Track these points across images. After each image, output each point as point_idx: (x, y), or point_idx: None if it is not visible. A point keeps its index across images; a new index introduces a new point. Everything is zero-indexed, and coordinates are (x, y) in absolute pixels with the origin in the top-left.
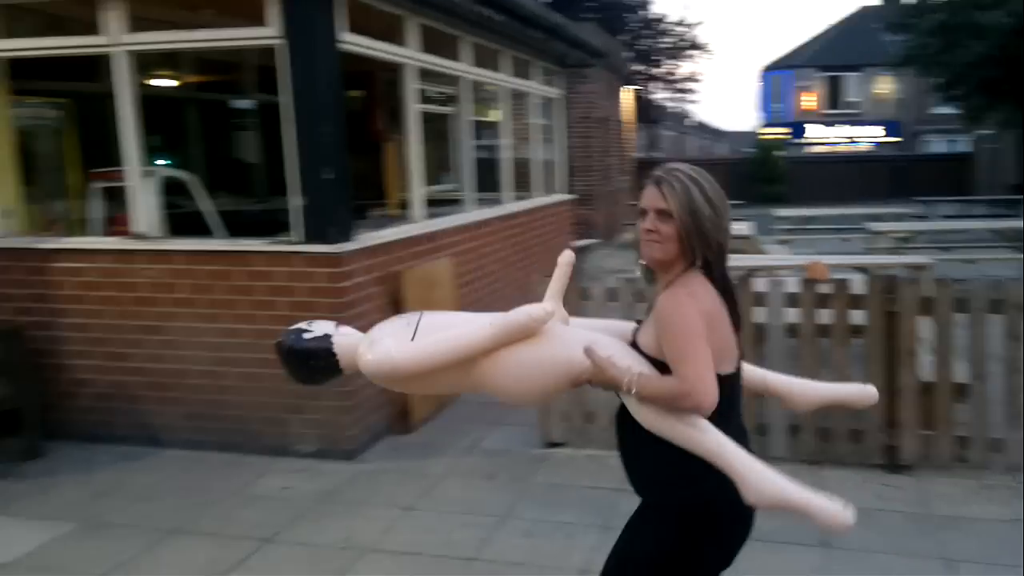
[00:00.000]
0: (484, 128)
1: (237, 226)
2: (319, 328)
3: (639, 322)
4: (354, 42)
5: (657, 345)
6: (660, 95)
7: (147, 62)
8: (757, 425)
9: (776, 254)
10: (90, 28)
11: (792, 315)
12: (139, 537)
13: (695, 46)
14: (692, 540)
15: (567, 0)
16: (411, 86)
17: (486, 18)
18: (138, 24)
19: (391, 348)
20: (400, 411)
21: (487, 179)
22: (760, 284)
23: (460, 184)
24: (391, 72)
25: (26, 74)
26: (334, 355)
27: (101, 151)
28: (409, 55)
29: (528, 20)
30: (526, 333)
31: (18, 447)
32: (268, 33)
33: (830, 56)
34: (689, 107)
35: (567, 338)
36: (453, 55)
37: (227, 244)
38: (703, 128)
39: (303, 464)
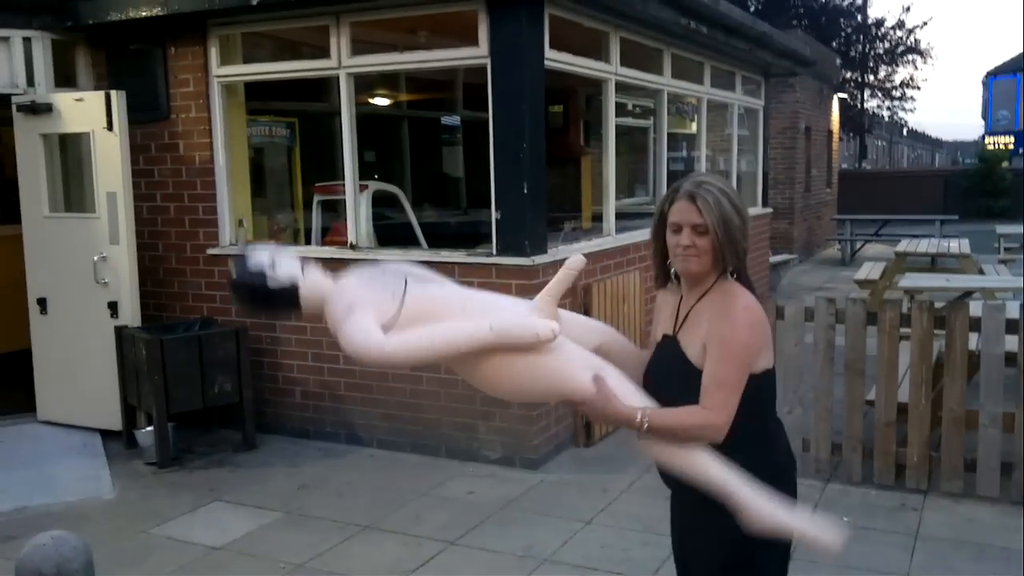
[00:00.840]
0: (681, 139)
1: (441, 238)
2: (284, 265)
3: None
4: (557, 59)
5: (699, 353)
6: (873, 103)
7: (364, 82)
8: (965, 461)
9: (995, 275)
10: (318, 52)
11: (1011, 343)
12: (335, 531)
13: (914, 50)
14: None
15: (777, 7)
16: (610, 100)
17: (691, 30)
18: (360, 47)
19: (383, 339)
20: (583, 424)
21: None
22: (976, 308)
23: (654, 197)
24: (591, 86)
25: (260, 95)
26: (295, 297)
27: (322, 166)
28: (610, 70)
29: (733, 31)
30: (528, 347)
31: (236, 439)
32: (477, 53)
33: None
34: (904, 115)
35: (571, 355)
36: (654, 68)
37: (429, 255)
38: (918, 137)
39: (489, 470)
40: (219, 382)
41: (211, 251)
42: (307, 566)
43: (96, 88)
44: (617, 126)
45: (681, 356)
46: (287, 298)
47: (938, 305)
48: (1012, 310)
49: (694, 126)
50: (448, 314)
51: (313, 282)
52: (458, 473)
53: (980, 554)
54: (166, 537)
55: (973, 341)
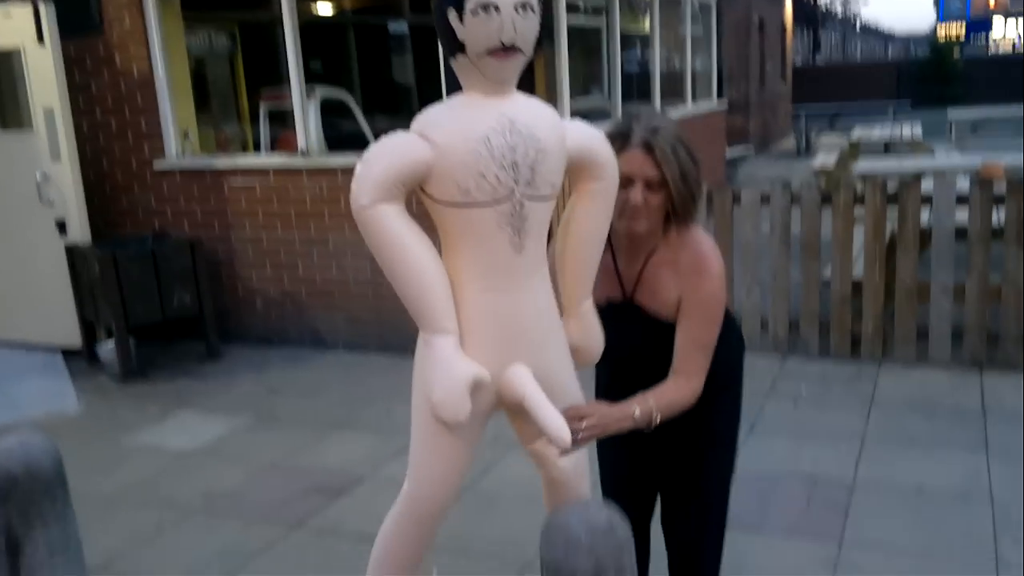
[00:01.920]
0: (635, 39)
1: None
2: None
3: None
4: None
5: (670, 310)
6: None
7: None
8: (918, 329)
9: (947, 157)
10: None
11: (962, 217)
12: (308, 429)
13: None
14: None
15: None
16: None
17: None
18: None
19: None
20: None
21: (636, 90)
22: (928, 185)
23: (608, 96)
24: None
25: (198, 4)
26: None
27: (268, 76)
28: None
29: None
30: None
31: (200, 350)
32: None
33: None
34: (857, 8)
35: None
36: None
37: None
38: (870, 31)
39: None
40: (177, 295)
41: (158, 165)
42: (282, 464)
43: (24, 1)
44: (571, 25)
45: (648, 319)
46: None
47: (891, 184)
48: (963, 185)
49: (647, 24)
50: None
51: None
52: None
53: (932, 413)
54: (136, 445)
55: (925, 217)
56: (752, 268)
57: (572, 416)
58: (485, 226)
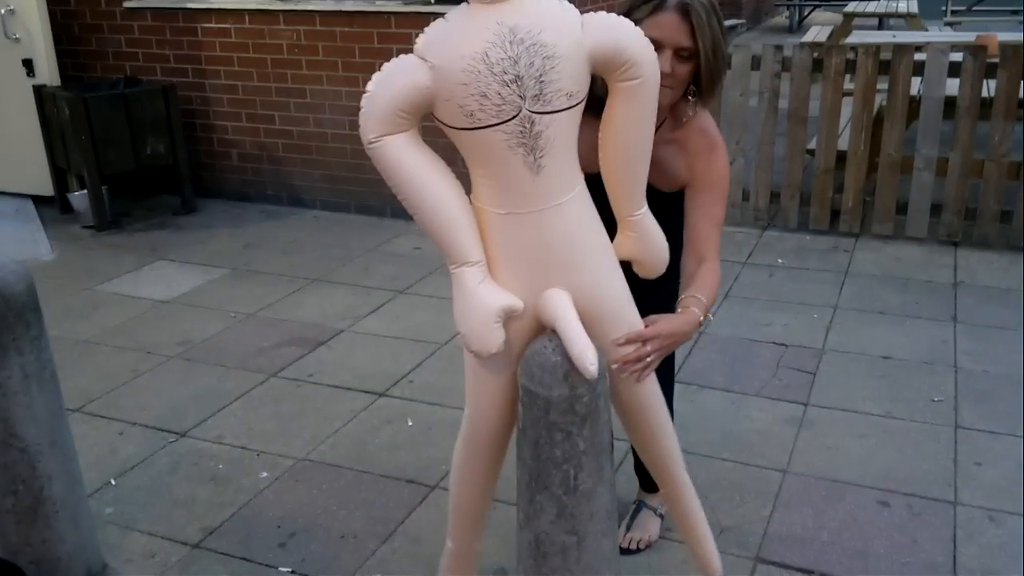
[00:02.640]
0: None
1: None
2: None
3: None
4: None
5: (672, 186)
6: None
7: None
8: (898, 204)
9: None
10: None
11: (952, 88)
12: (285, 283)
13: None
14: None
15: None
16: None
17: None
18: None
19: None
20: None
21: None
22: (921, 55)
23: None
24: None
25: None
26: None
27: None
28: None
29: None
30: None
31: (175, 203)
32: None
33: None
34: None
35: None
36: None
37: (363, 4)
38: None
39: None
40: (151, 143)
41: (128, 3)
42: (259, 315)
43: None
44: None
45: (660, 195)
46: None
47: (884, 53)
48: (956, 57)
49: None
50: None
51: None
52: (404, 231)
53: (905, 286)
54: (112, 293)
55: (915, 88)
56: (738, 136)
57: (633, 340)
58: (496, 148)
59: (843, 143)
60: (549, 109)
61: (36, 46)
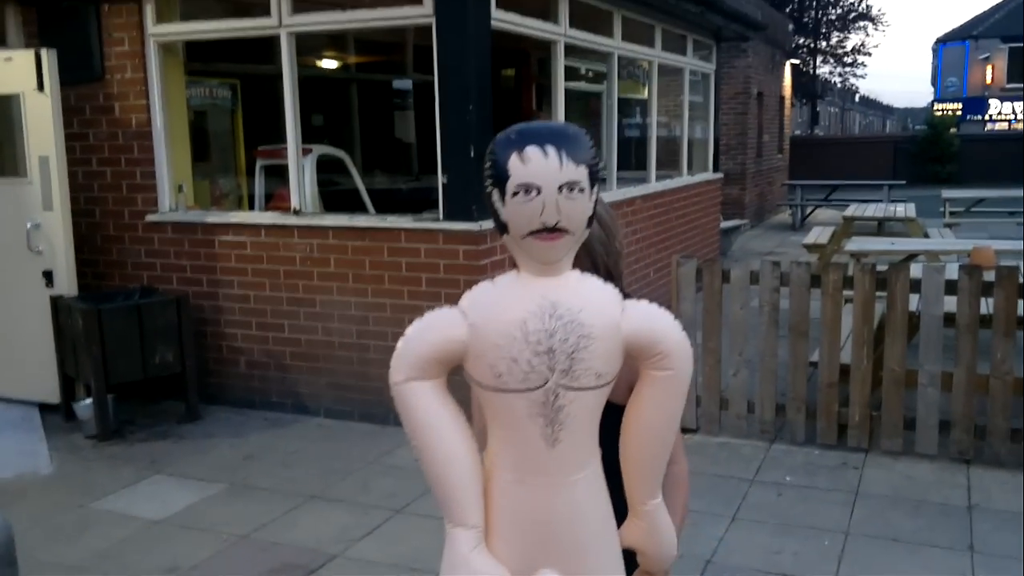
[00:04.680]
0: (635, 105)
1: (390, 204)
2: None
3: None
4: (504, 19)
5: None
6: (825, 69)
7: (312, 44)
8: (905, 419)
9: (940, 239)
10: (259, 10)
11: (951, 304)
12: (281, 501)
13: (866, 16)
14: None
15: None
16: (559, 62)
17: None
18: (302, 5)
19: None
20: None
21: (634, 157)
22: (916, 270)
23: (604, 162)
24: (544, 50)
25: (201, 55)
26: None
27: (267, 130)
28: (559, 31)
29: None
30: None
31: (179, 410)
32: (421, 12)
33: (1015, 25)
34: (856, 82)
35: None
36: (604, 30)
37: (375, 221)
38: (870, 104)
39: None
40: (160, 352)
41: (150, 217)
42: (252, 537)
43: (27, 47)
44: (570, 90)
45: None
46: None
47: (880, 268)
48: (952, 272)
49: (647, 90)
50: None
51: None
52: (405, 441)
53: (917, 509)
54: (105, 511)
55: (914, 303)
56: (740, 347)
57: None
58: (516, 414)
59: (845, 355)
60: (576, 385)
61: (57, 259)
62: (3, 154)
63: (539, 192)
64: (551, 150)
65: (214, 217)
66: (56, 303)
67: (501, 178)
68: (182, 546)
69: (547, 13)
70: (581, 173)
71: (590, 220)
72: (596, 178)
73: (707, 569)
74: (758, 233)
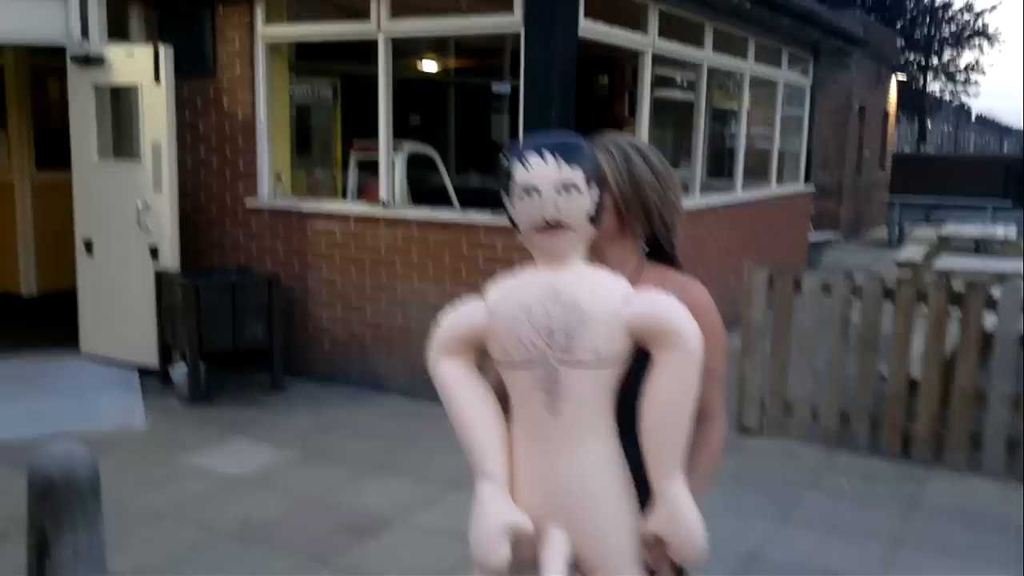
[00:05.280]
0: (729, 115)
1: (482, 202)
2: None
3: None
4: (592, 29)
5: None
6: (935, 86)
7: (412, 47)
8: (972, 435)
9: None
10: (360, 14)
11: None
12: (350, 469)
13: (981, 34)
14: None
15: None
16: (647, 72)
17: (735, 5)
18: (400, 11)
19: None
20: None
21: (724, 167)
22: (996, 289)
23: (691, 170)
24: (636, 59)
25: (307, 54)
26: None
27: (365, 127)
28: (647, 42)
29: (778, 7)
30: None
31: (265, 381)
32: (511, 20)
33: None
34: (967, 99)
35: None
36: (694, 41)
37: (456, 215)
38: (987, 123)
39: None
40: (251, 327)
41: (250, 203)
42: (319, 498)
43: (147, 42)
44: (663, 99)
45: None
46: None
47: (956, 285)
48: None
49: (739, 101)
50: None
51: None
52: None
53: (973, 525)
54: (189, 466)
55: (989, 321)
56: (808, 356)
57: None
58: (522, 387)
59: (916, 369)
60: (574, 360)
61: (163, 237)
62: (122, 138)
63: (539, 193)
64: (549, 156)
65: (308, 205)
66: (160, 277)
67: (509, 183)
68: (255, 501)
69: (636, 23)
70: (577, 175)
71: (594, 218)
72: (594, 179)
73: (751, 563)
74: (853, 248)
